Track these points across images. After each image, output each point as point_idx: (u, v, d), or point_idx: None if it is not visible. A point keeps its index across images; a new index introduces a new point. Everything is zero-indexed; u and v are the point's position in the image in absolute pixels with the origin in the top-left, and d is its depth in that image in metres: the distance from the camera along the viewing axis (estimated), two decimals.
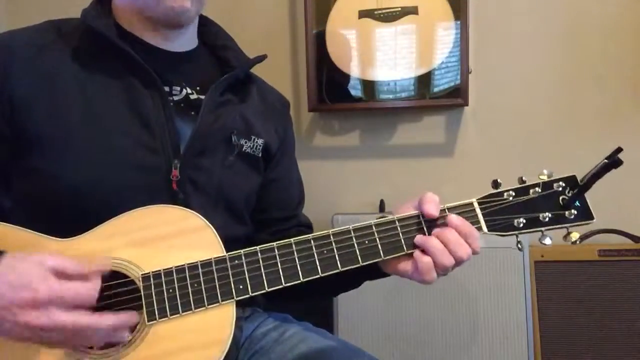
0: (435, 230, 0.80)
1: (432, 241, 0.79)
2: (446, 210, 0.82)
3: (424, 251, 0.80)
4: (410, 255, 0.81)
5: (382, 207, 1.68)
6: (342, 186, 1.77)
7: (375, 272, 0.87)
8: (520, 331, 1.48)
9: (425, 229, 0.81)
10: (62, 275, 0.69)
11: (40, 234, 0.78)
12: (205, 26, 1.05)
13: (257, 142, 0.99)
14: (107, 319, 0.69)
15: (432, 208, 0.80)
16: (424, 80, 1.62)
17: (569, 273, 1.51)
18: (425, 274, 0.79)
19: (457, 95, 1.61)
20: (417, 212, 0.82)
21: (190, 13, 0.90)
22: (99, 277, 0.72)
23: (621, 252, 1.50)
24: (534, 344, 1.49)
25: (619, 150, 0.77)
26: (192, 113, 0.92)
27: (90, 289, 0.69)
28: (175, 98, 0.92)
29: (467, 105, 1.63)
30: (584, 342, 1.50)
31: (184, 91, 0.94)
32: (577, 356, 1.50)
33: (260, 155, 1.00)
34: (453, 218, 0.80)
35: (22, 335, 0.67)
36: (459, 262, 0.79)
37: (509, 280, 1.49)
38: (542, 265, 1.52)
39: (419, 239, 0.80)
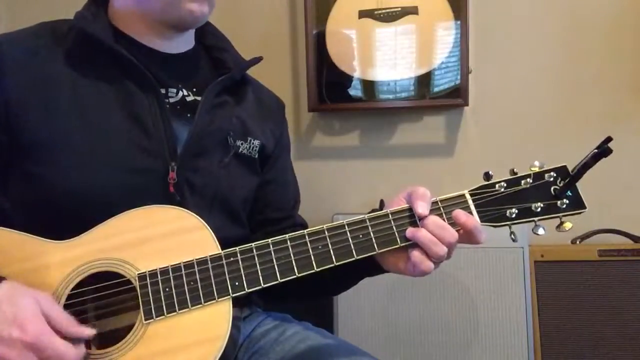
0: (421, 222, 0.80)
1: (420, 232, 0.79)
2: (439, 202, 0.82)
3: (415, 245, 0.80)
4: (405, 249, 0.81)
5: (382, 207, 1.66)
6: (342, 186, 1.76)
7: (373, 268, 0.87)
8: (520, 331, 1.48)
9: (417, 221, 0.81)
10: (51, 322, 0.68)
11: (37, 237, 0.78)
12: (202, 26, 1.05)
13: (253, 143, 0.99)
14: None
15: (423, 207, 0.80)
16: (424, 80, 1.62)
17: (569, 273, 1.51)
18: (420, 265, 0.79)
19: (457, 95, 1.61)
20: (408, 205, 0.82)
21: (205, 17, 0.92)
22: (83, 345, 0.71)
23: (621, 252, 1.49)
24: (534, 344, 1.49)
25: (609, 139, 0.78)
26: (189, 115, 0.92)
27: (73, 354, 0.68)
28: (172, 100, 0.92)
29: (467, 105, 1.63)
30: (584, 342, 1.49)
31: (180, 93, 0.94)
32: (577, 356, 1.49)
33: (256, 156, 1.00)
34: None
35: None
36: (449, 247, 0.79)
37: (509, 280, 1.49)
38: (542, 265, 1.52)
39: (408, 232, 0.80)
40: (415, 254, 0.79)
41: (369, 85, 1.65)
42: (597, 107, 1.64)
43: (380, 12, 1.62)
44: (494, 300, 1.50)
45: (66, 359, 0.68)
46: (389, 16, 1.61)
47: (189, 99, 0.94)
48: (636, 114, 1.62)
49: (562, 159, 1.64)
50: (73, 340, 0.70)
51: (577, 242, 1.55)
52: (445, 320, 1.51)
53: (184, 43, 0.99)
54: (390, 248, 0.81)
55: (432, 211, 0.81)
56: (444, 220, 0.81)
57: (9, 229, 0.79)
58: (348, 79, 1.65)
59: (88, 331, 0.72)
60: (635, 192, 1.62)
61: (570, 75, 1.65)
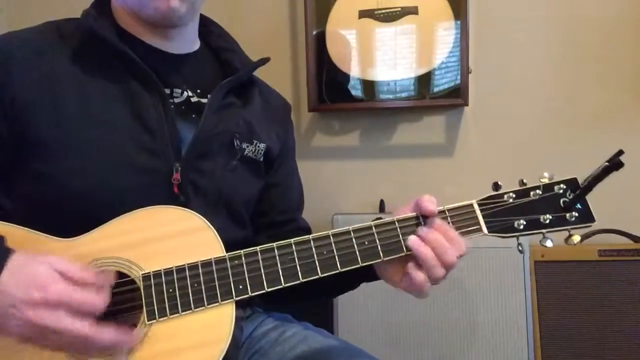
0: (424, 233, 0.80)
1: (425, 248, 0.79)
2: (446, 211, 0.82)
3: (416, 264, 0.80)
4: (407, 259, 0.81)
5: (382, 207, 1.68)
6: (342, 186, 1.77)
7: (372, 274, 0.87)
8: (520, 331, 1.48)
9: (422, 222, 0.81)
10: (68, 279, 0.69)
11: (40, 233, 0.78)
12: (208, 27, 1.04)
13: (258, 146, 0.98)
14: (109, 334, 0.69)
15: (431, 206, 0.80)
16: (424, 80, 1.63)
17: (569, 273, 1.51)
18: (415, 278, 0.79)
19: (457, 95, 1.61)
20: (415, 213, 0.82)
21: (180, 13, 0.88)
22: (108, 289, 0.72)
23: (621, 252, 1.50)
24: (534, 344, 1.49)
25: (620, 153, 0.77)
26: (193, 116, 0.92)
27: (99, 301, 0.69)
28: (176, 100, 0.92)
29: (467, 105, 1.63)
30: (584, 342, 1.50)
31: (185, 93, 0.93)
32: (577, 356, 1.50)
33: (261, 159, 0.99)
34: (437, 222, 0.80)
35: (25, 333, 0.67)
36: (447, 267, 0.79)
37: (509, 280, 1.49)
38: (542, 265, 1.52)
39: (411, 242, 0.80)
40: (414, 271, 0.79)
41: (369, 85, 1.65)
42: (597, 107, 1.64)
43: (380, 12, 1.62)
44: (494, 300, 1.50)
45: (94, 305, 0.68)
46: (389, 16, 1.61)
47: (193, 99, 0.94)
48: (636, 114, 1.62)
49: (561, 159, 1.65)
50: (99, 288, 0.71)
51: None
52: (445, 320, 1.52)
53: (187, 43, 0.98)
54: (396, 256, 0.81)
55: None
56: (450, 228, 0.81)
57: (14, 225, 0.79)
58: (348, 79, 1.65)
59: (107, 275, 0.73)
60: (635, 192, 1.62)
61: (570, 75, 1.65)
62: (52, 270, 0.68)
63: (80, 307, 0.67)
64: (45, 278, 0.67)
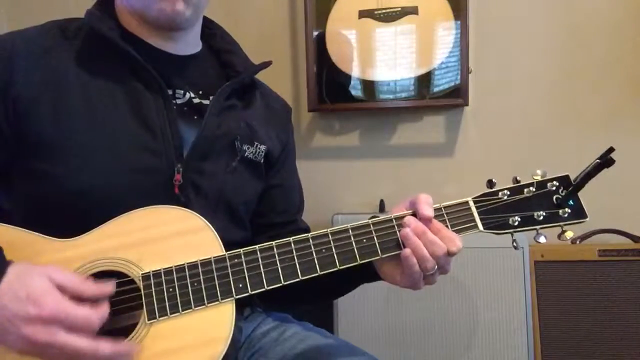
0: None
1: (414, 239, 0.79)
2: (442, 209, 0.83)
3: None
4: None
5: (382, 207, 1.68)
6: (342, 186, 1.77)
7: (372, 274, 0.87)
8: (520, 331, 1.48)
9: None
10: (67, 292, 0.69)
11: (39, 234, 0.78)
12: (210, 29, 1.05)
13: (259, 148, 0.99)
14: (105, 348, 0.68)
15: (428, 209, 0.81)
16: (423, 80, 1.63)
17: (569, 273, 1.51)
18: (411, 267, 0.79)
19: (457, 95, 1.61)
20: (412, 210, 0.83)
21: (185, 16, 0.89)
22: (106, 304, 0.71)
23: (621, 252, 1.50)
24: (534, 344, 1.49)
25: (611, 150, 0.78)
26: (195, 117, 0.92)
27: (96, 316, 0.69)
28: (179, 101, 0.92)
29: (467, 105, 1.63)
30: (584, 342, 1.50)
31: (187, 95, 0.93)
32: (577, 356, 1.50)
33: (262, 161, 1.00)
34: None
35: (22, 348, 0.67)
36: (436, 258, 0.79)
37: (509, 280, 1.49)
38: (542, 265, 1.52)
39: (403, 233, 0.80)
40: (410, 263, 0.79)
41: (369, 85, 1.65)
42: (597, 107, 1.64)
43: (380, 12, 1.62)
44: (494, 300, 1.50)
45: (90, 323, 0.68)
46: (389, 16, 1.61)
47: (195, 101, 0.94)
48: (636, 114, 1.62)
49: (561, 159, 1.65)
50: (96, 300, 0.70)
51: (577, 242, 1.55)
52: (445, 320, 1.52)
53: (190, 45, 0.98)
54: (394, 253, 0.81)
55: (435, 217, 0.82)
56: (447, 226, 0.82)
57: (15, 227, 0.79)
58: (348, 79, 1.65)
59: (107, 288, 0.73)
60: (635, 192, 1.62)
61: (571, 75, 1.65)
62: (50, 284, 0.68)
63: (75, 323, 0.67)
64: (41, 292, 0.67)
